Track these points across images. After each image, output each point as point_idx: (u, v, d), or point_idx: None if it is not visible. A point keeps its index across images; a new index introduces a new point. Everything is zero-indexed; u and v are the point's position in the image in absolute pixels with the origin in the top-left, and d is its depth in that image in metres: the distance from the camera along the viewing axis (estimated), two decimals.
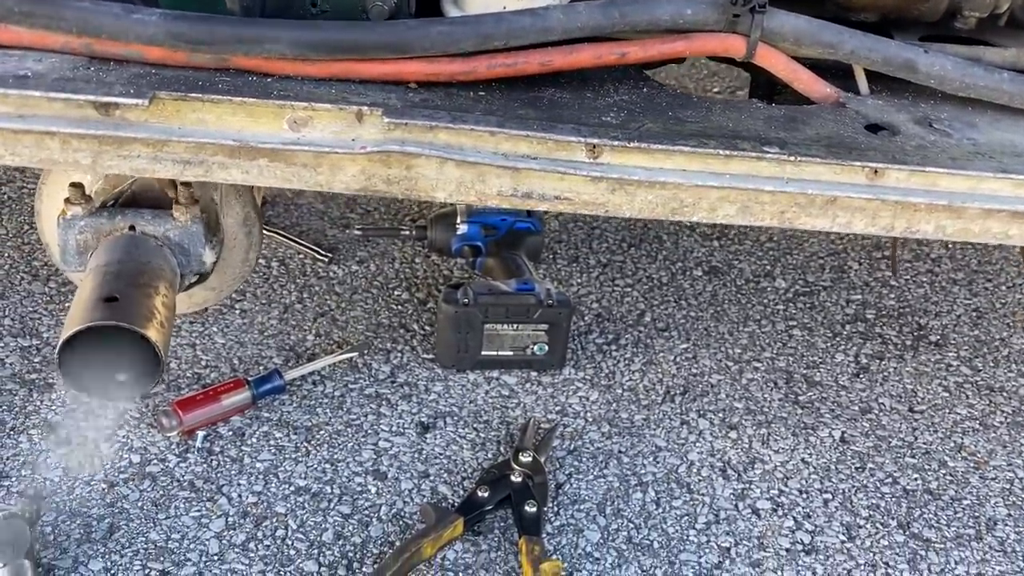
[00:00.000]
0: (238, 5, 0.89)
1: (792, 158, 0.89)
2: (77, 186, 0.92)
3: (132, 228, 0.91)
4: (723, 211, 0.89)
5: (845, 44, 0.97)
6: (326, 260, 1.90)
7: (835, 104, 0.98)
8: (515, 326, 1.64)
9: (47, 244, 1.12)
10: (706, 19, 0.94)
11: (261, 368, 1.64)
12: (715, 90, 2.55)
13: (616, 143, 0.87)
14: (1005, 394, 1.77)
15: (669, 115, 0.94)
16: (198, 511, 1.40)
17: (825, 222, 0.91)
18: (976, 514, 1.52)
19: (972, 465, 1.60)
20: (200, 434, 1.50)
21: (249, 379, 1.57)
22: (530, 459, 1.48)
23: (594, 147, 0.87)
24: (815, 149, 0.90)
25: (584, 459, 1.55)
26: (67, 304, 1.73)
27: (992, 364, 1.84)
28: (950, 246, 2.17)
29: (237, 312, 1.77)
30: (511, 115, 0.89)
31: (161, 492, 1.42)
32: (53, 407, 1.53)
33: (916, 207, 0.90)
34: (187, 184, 0.93)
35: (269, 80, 0.90)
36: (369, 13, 0.92)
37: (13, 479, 1.41)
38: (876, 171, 0.89)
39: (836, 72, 1.02)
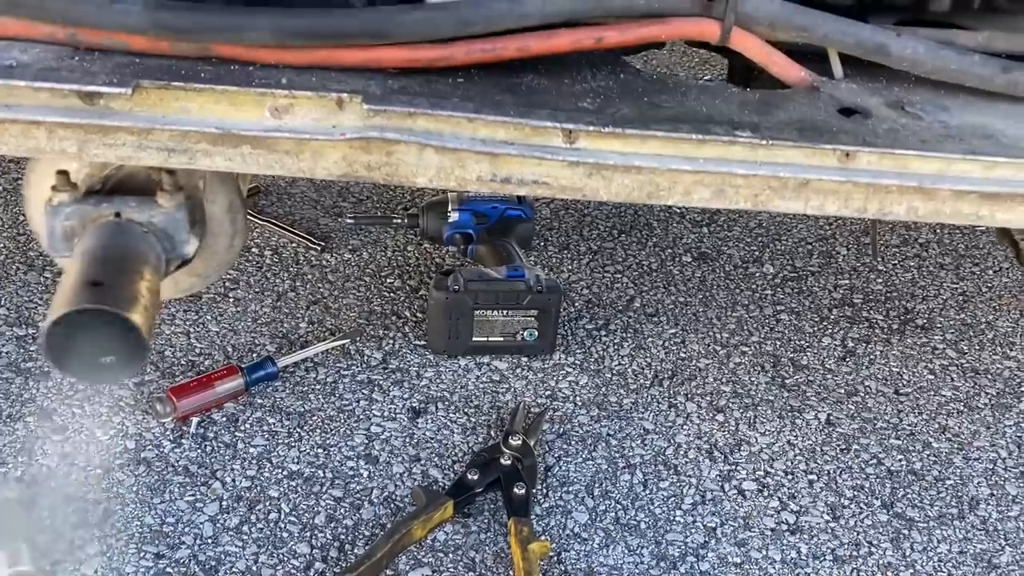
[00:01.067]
0: None
1: (764, 142, 0.91)
2: (63, 173, 0.94)
3: (118, 215, 0.93)
4: (698, 194, 0.91)
5: (819, 28, 0.99)
6: (319, 248, 1.92)
7: (809, 88, 1.00)
8: (505, 312, 1.66)
9: (35, 231, 1.14)
10: (681, 3, 0.96)
11: (254, 355, 1.66)
12: (707, 77, 2.56)
13: (591, 128, 0.89)
14: (990, 376, 1.79)
15: (645, 100, 0.96)
16: (192, 495, 1.42)
17: (798, 205, 0.93)
18: (959, 494, 1.55)
19: (956, 446, 1.63)
20: (194, 420, 1.53)
21: (242, 366, 1.59)
22: (520, 442, 1.50)
23: (570, 132, 0.89)
24: (787, 133, 0.92)
25: (573, 442, 1.57)
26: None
27: (977, 347, 1.86)
28: (937, 231, 2.19)
29: (231, 300, 1.79)
30: (489, 101, 0.91)
31: (156, 477, 1.44)
32: (49, 395, 1.55)
33: (888, 189, 0.92)
34: (172, 172, 0.95)
35: (251, 69, 0.91)
36: (349, 0, 0.94)
37: (9, 465, 1.43)
38: (847, 154, 0.91)
39: (812, 56, 1.04)
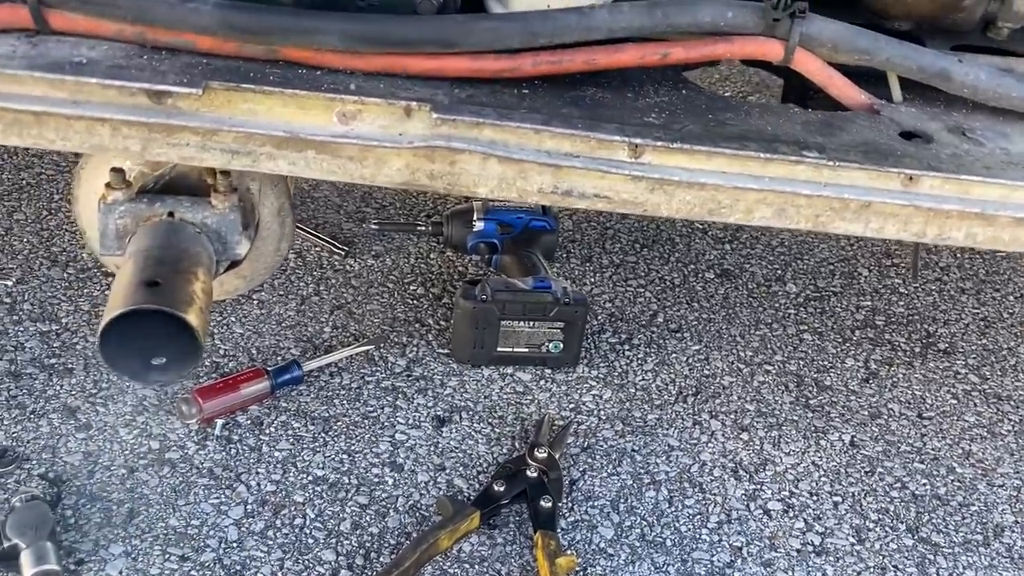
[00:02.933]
0: None
1: (830, 163, 0.91)
2: (118, 171, 0.93)
3: (171, 214, 0.92)
4: (759, 213, 0.91)
5: (881, 51, 0.99)
6: (342, 253, 1.91)
7: (869, 111, 1.00)
8: (531, 323, 1.66)
9: (83, 229, 1.13)
10: (746, 22, 0.96)
11: (278, 358, 1.65)
12: (726, 94, 2.56)
13: (659, 143, 0.89)
14: (1012, 403, 1.79)
15: (709, 117, 0.96)
16: (217, 498, 1.41)
17: (858, 227, 0.93)
18: (984, 520, 1.54)
19: (980, 472, 1.63)
20: (219, 422, 1.52)
21: (268, 369, 1.58)
22: (545, 455, 1.49)
23: (636, 147, 0.88)
24: (852, 154, 0.92)
25: (598, 456, 1.57)
26: (86, 290, 1.75)
27: (1000, 373, 1.86)
28: (958, 255, 2.20)
29: (255, 303, 1.78)
30: (555, 113, 0.91)
31: (180, 479, 1.43)
32: (73, 392, 1.54)
33: (948, 214, 0.92)
34: (226, 173, 0.94)
35: (318, 73, 0.91)
36: (417, 8, 0.93)
37: (34, 462, 1.42)
38: (911, 178, 0.91)
39: (867, 78, 1.04)
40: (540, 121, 0.89)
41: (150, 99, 0.86)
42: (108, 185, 0.94)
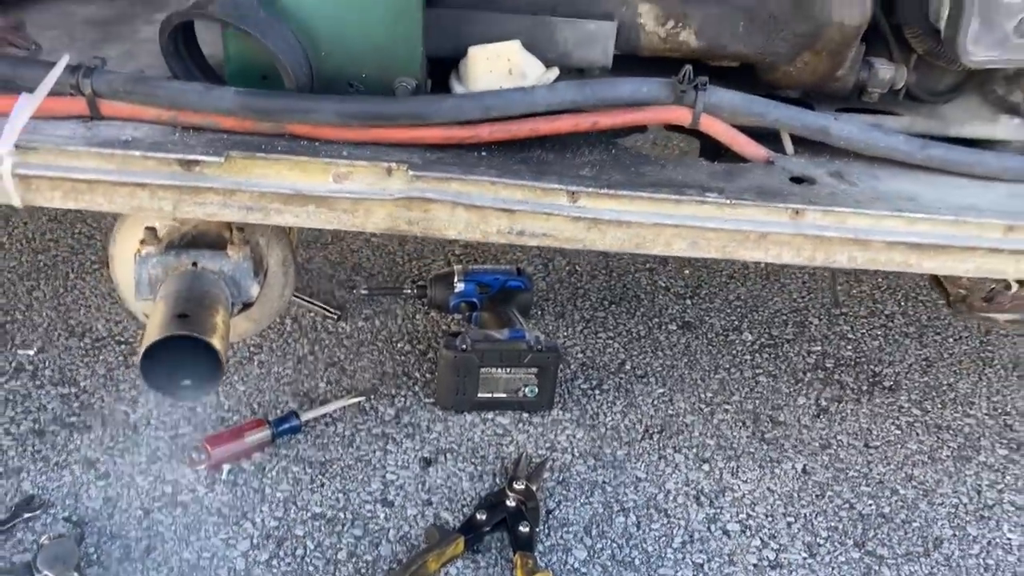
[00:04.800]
0: (294, 84, 1.12)
1: (729, 201, 1.11)
2: (151, 229, 1.12)
3: (194, 264, 1.10)
4: (677, 245, 1.10)
5: (771, 114, 1.21)
6: (335, 317, 2.09)
7: (766, 162, 1.21)
8: (508, 370, 1.83)
9: (117, 282, 1.32)
10: (659, 95, 1.18)
11: (278, 411, 1.81)
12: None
13: (591, 190, 1.09)
14: (951, 431, 1.95)
15: (632, 170, 1.17)
16: (226, 534, 1.55)
17: (760, 254, 1.12)
18: (924, 534, 1.69)
19: (921, 492, 1.78)
20: (226, 468, 1.66)
21: (269, 419, 1.74)
22: (523, 487, 1.64)
23: (573, 193, 1.09)
24: (748, 195, 1.12)
25: (572, 488, 1.72)
26: (101, 357, 1.91)
27: (940, 406, 2.02)
28: (901, 303, 2.39)
29: (255, 363, 1.94)
30: (508, 169, 1.11)
31: (192, 518, 1.57)
32: (92, 446, 1.69)
33: (831, 240, 1.12)
34: (240, 228, 1.13)
35: (317, 143, 1.11)
36: (395, 90, 1.15)
37: (58, 507, 1.56)
38: (797, 211, 1.12)
39: (769, 136, 1.25)
40: (496, 175, 1.09)
41: (182, 167, 1.05)
42: (142, 241, 1.12)
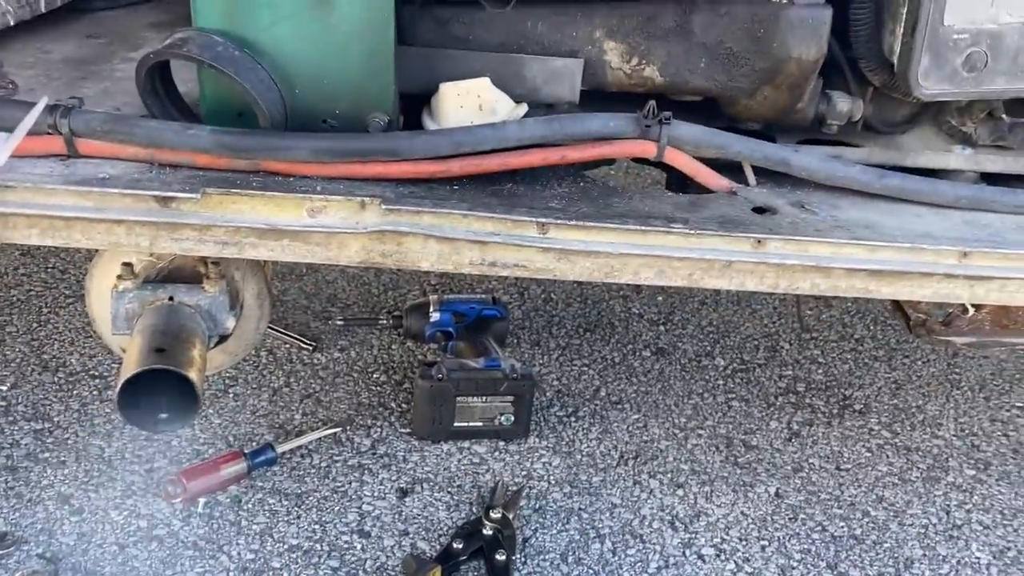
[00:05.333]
0: (268, 122, 1.15)
1: (693, 232, 1.14)
2: (128, 265, 1.14)
3: (171, 298, 1.12)
4: (644, 274, 1.14)
5: (733, 146, 1.25)
6: (310, 349, 2.10)
7: (729, 192, 1.25)
8: (484, 398, 1.84)
9: (93, 316, 1.33)
10: (625, 129, 1.22)
11: (254, 443, 1.81)
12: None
13: (560, 222, 1.12)
14: (920, 453, 1.99)
15: (600, 201, 1.20)
16: (202, 567, 1.55)
17: (724, 282, 1.15)
18: (895, 555, 1.72)
19: (892, 514, 1.81)
20: (202, 501, 1.66)
21: (245, 452, 1.74)
22: (500, 515, 1.65)
23: (543, 225, 1.12)
24: (711, 225, 1.16)
25: (548, 516, 1.73)
26: (75, 391, 1.91)
27: (909, 428, 2.06)
28: (871, 327, 2.43)
29: (231, 396, 1.95)
30: (479, 202, 1.14)
31: (168, 552, 1.57)
32: (66, 481, 1.69)
33: (793, 268, 1.15)
34: (216, 262, 1.15)
35: (292, 179, 1.14)
36: (368, 127, 1.18)
37: (32, 543, 1.55)
38: (759, 241, 1.16)
39: (732, 168, 1.29)
40: (467, 208, 1.12)
41: (159, 203, 1.07)
42: (119, 276, 1.14)
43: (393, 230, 1.10)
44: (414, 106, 1.33)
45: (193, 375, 1.01)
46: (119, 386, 1.03)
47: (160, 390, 1.00)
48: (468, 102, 1.25)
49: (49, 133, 1.15)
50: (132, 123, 1.15)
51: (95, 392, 1.90)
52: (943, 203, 1.35)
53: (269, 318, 1.33)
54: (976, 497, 1.86)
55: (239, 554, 1.58)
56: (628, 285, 2.41)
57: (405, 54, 1.29)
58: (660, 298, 2.43)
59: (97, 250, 1.23)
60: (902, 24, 1.28)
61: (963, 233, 1.29)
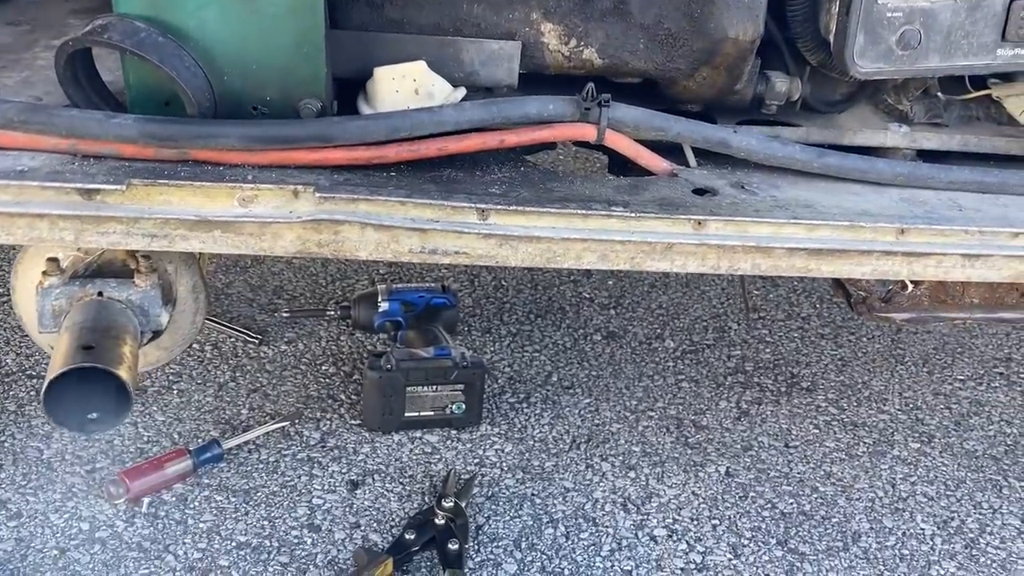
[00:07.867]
0: (196, 109, 1.11)
1: (634, 215, 1.14)
2: (53, 260, 1.10)
3: (100, 294, 1.08)
4: (587, 259, 1.13)
5: (673, 128, 1.25)
6: (256, 341, 2.06)
7: (670, 175, 1.24)
8: (434, 388, 1.83)
9: (20, 315, 1.28)
10: (564, 112, 1.21)
11: (200, 440, 1.77)
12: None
13: (500, 207, 1.11)
14: (867, 428, 2.02)
15: (541, 186, 1.19)
16: (147, 569, 1.51)
17: (667, 264, 1.15)
18: (843, 529, 1.75)
19: (839, 489, 1.83)
20: (146, 500, 1.63)
21: (191, 449, 1.70)
22: (452, 504, 1.64)
23: (483, 211, 1.10)
24: (651, 208, 1.15)
25: (501, 503, 1.72)
26: (12, 392, 1.85)
27: (855, 404, 2.09)
28: (817, 306, 2.47)
29: (175, 392, 1.91)
30: (417, 189, 1.12)
31: (111, 554, 1.53)
32: (2, 485, 1.63)
33: (734, 249, 1.15)
34: (147, 256, 1.11)
35: (221, 168, 1.10)
36: (300, 112, 1.15)
37: None
38: (699, 222, 1.15)
39: (673, 149, 1.29)
40: (405, 195, 1.10)
41: (82, 196, 1.03)
42: (44, 272, 1.10)
43: (328, 219, 1.08)
44: (349, 92, 1.30)
45: (123, 373, 0.97)
46: (44, 386, 0.99)
47: (91, 389, 0.97)
48: (404, 86, 1.22)
49: None
50: (51, 113, 1.10)
51: (32, 393, 1.84)
52: (881, 181, 1.36)
53: (206, 311, 1.30)
54: (920, 470, 1.90)
55: (185, 553, 1.55)
56: (578, 270, 2.41)
57: (338, 38, 1.26)
58: (611, 282, 2.44)
59: (20, 246, 1.18)
60: (837, 3, 1.28)
61: (901, 210, 1.31)
